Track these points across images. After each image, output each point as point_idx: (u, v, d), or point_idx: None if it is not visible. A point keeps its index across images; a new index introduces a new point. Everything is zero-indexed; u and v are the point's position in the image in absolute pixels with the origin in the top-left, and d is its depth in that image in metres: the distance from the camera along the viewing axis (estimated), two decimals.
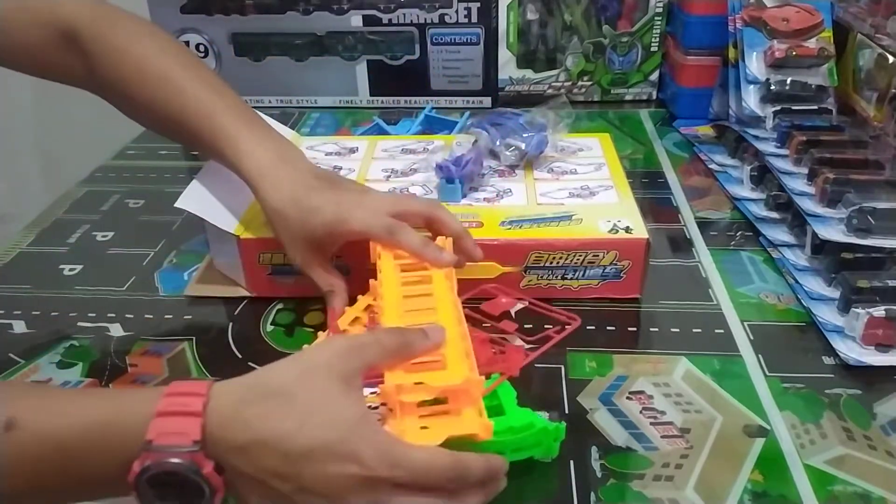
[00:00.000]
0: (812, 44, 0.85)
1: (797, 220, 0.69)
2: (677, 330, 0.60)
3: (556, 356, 0.56)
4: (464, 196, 0.68)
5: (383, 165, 0.74)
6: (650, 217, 0.73)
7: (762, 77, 0.86)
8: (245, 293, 0.65)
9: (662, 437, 0.50)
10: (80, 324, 0.63)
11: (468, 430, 0.41)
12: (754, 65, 0.86)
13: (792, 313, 0.61)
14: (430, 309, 0.49)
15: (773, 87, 0.85)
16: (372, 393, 0.43)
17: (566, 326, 0.55)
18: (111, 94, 0.62)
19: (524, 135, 0.73)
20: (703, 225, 0.74)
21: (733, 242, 0.72)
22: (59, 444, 0.37)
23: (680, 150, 0.91)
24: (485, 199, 0.68)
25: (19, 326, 0.63)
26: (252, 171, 0.57)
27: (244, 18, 1.00)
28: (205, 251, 0.69)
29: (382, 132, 0.88)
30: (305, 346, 0.52)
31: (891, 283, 0.58)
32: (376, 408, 0.44)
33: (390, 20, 0.99)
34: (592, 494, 0.46)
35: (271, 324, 0.62)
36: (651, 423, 0.51)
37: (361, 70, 1.03)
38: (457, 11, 0.98)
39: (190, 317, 0.64)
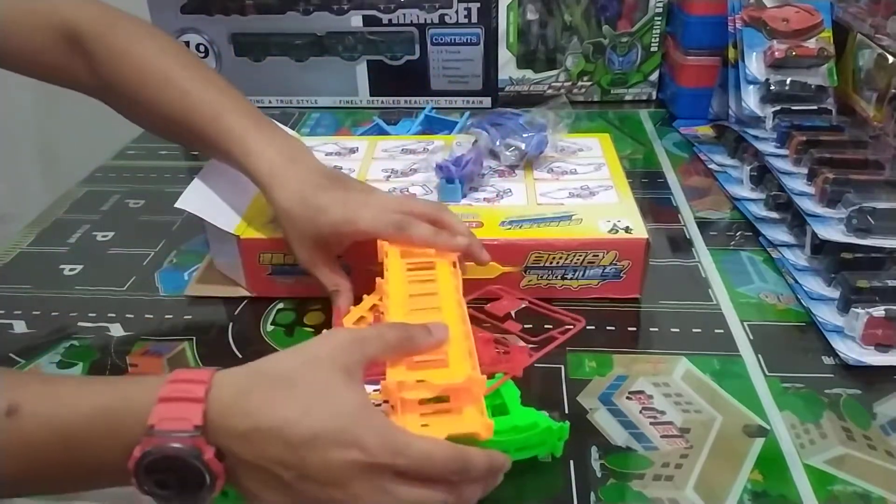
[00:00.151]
0: (812, 44, 0.85)
1: (797, 220, 0.69)
2: (677, 330, 0.60)
3: (557, 356, 0.56)
4: (464, 196, 0.68)
5: (383, 165, 0.74)
6: (650, 217, 0.73)
7: (762, 77, 0.86)
8: (245, 293, 0.65)
9: (662, 436, 0.50)
10: (80, 324, 0.63)
11: (469, 428, 0.41)
12: (754, 65, 0.86)
13: (792, 313, 0.61)
14: (434, 308, 0.49)
15: (772, 88, 0.85)
16: (375, 390, 0.43)
17: (570, 327, 0.55)
18: (113, 96, 0.62)
19: (524, 135, 0.73)
20: (703, 225, 0.74)
21: (733, 242, 0.72)
22: (61, 430, 0.37)
23: (680, 151, 0.91)
24: (485, 199, 0.68)
25: (19, 326, 0.63)
26: (261, 171, 0.57)
27: (244, 18, 1.00)
28: (205, 251, 0.69)
29: (382, 132, 0.88)
30: (315, 337, 0.51)
31: (890, 283, 0.58)
32: (379, 405, 0.44)
33: (390, 20, 0.99)
34: (592, 494, 0.46)
35: (271, 324, 0.62)
36: (651, 423, 0.51)
37: (361, 70, 1.03)
38: (457, 12, 0.98)
39: (190, 317, 0.64)
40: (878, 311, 0.56)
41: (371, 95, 1.05)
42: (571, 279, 0.62)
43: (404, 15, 0.98)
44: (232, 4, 0.99)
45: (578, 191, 0.68)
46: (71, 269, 0.70)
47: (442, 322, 0.46)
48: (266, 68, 1.03)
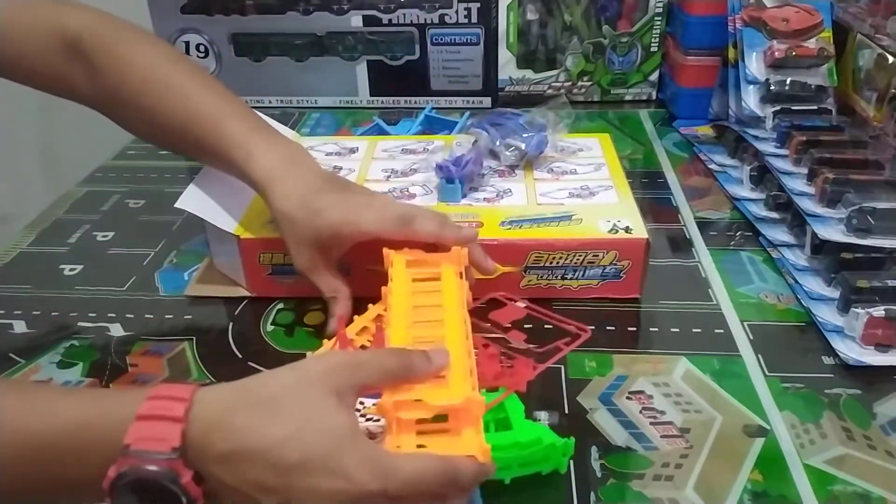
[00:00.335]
0: (812, 44, 0.85)
1: (797, 220, 0.69)
2: (677, 330, 0.60)
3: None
4: (464, 196, 0.68)
5: (383, 165, 0.74)
6: (650, 217, 0.73)
7: (762, 77, 0.86)
8: (245, 293, 0.65)
9: (662, 436, 0.50)
10: (80, 324, 0.63)
11: (466, 451, 0.39)
12: (754, 65, 0.86)
13: (792, 313, 0.61)
14: (437, 321, 0.48)
15: (772, 88, 0.85)
16: (373, 404, 0.42)
17: (575, 337, 0.55)
18: (113, 104, 0.61)
19: (524, 135, 0.73)
20: (703, 225, 0.74)
21: (733, 242, 0.72)
22: (38, 444, 0.36)
23: (680, 151, 0.91)
24: (485, 199, 0.68)
25: (20, 326, 0.63)
26: (260, 174, 0.57)
27: (244, 18, 1.00)
28: (205, 251, 0.69)
29: (382, 132, 0.88)
30: (309, 353, 0.50)
31: (890, 283, 0.58)
32: (378, 420, 0.43)
33: (390, 20, 0.99)
34: (592, 494, 0.46)
35: (271, 324, 0.62)
36: (651, 423, 0.51)
37: (361, 70, 1.03)
38: (457, 12, 0.98)
39: (190, 317, 0.64)
40: (878, 311, 0.56)
41: (371, 95, 1.05)
42: (571, 279, 0.62)
43: (404, 15, 0.98)
44: (232, 4, 0.99)
45: (578, 191, 0.68)
46: (71, 269, 0.70)
47: (443, 348, 0.44)
48: (266, 68, 1.03)
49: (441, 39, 1.00)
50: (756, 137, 0.82)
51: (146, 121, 0.60)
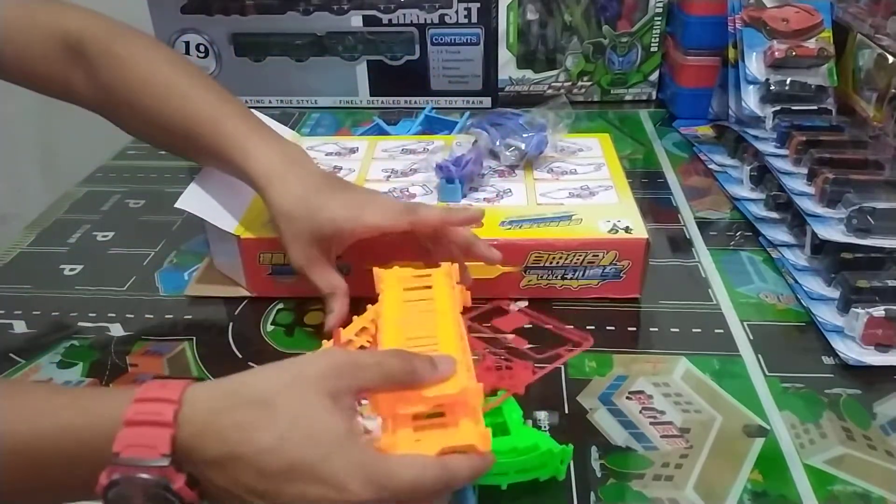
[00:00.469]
0: (812, 44, 0.85)
1: (797, 220, 0.69)
2: (677, 330, 0.60)
3: None
4: (464, 196, 0.68)
5: (383, 166, 0.74)
6: (650, 217, 0.73)
7: (762, 77, 0.86)
8: (245, 293, 0.65)
9: (662, 436, 0.50)
10: (80, 324, 0.63)
11: (465, 440, 0.38)
12: (754, 65, 0.86)
13: (791, 313, 0.62)
14: (429, 311, 0.47)
15: (772, 88, 0.85)
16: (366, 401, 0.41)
17: (577, 345, 0.55)
18: (113, 106, 0.61)
19: (524, 135, 0.73)
20: (703, 225, 0.74)
21: (733, 242, 0.72)
22: (24, 450, 0.36)
23: (679, 151, 0.91)
24: (485, 199, 0.68)
25: (20, 326, 0.63)
26: (259, 174, 0.57)
27: (244, 18, 1.00)
28: (205, 251, 0.69)
29: (382, 132, 0.88)
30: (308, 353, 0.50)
31: (890, 283, 0.58)
32: (372, 419, 0.43)
33: (390, 20, 0.99)
34: (592, 494, 0.46)
35: (271, 324, 0.62)
36: (651, 423, 0.51)
37: (361, 70, 1.03)
38: (457, 12, 0.98)
39: (190, 317, 0.64)
40: (878, 311, 0.56)
41: (371, 95, 1.05)
42: (571, 279, 0.62)
43: (404, 15, 0.98)
44: (232, 4, 0.99)
45: (578, 191, 0.68)
46: (71, 269, 0.70)
47: (448, 355, 0.42)
48: (266, 68, 1.03)
49: (441, 39, 1.00)
50: (756, 137, 0.82)
51: (146, 122, 0.61)
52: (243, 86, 1.03)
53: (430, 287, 0.51)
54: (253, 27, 1.00)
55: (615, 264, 0.61)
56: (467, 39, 1.00)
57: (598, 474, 0.47)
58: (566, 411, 0.52)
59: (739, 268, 0.68)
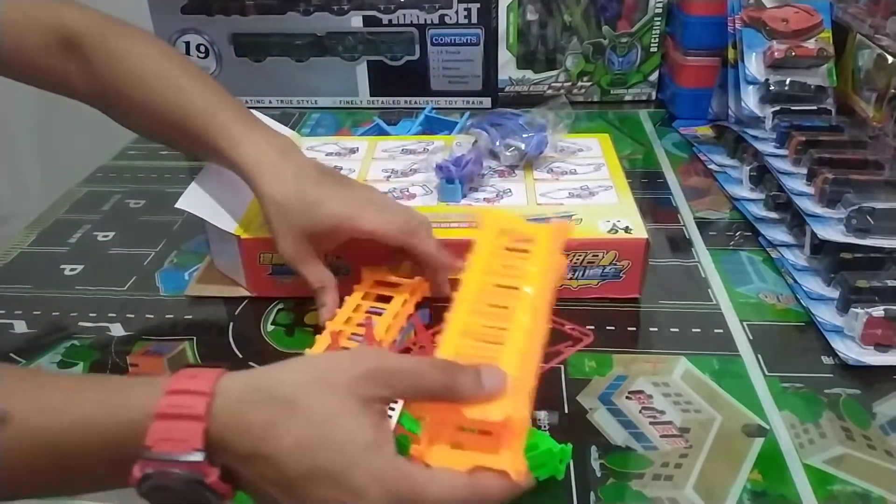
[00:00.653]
0: (811, 44, 0.85)
1: (796, 221, 0.69)
2: (677, 330, 0.60)
3: None
4: (464, 196, 0.68)
5: (383, 166, 0.74)
6: (649, 217, 0.73)
7: (761, 77, 0.86)
8: (245, 293, 0.65)
9: (662, 436, 0.50)
10: (80, 324, 0.63)
11: (499, 466, 0.36)
12: (753, 65, 0.87)
13: (791, 313, 0.62)
14: (512, 294, 0.43)
15: (772, 88, 0.85)
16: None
17: (577, 342, 0.55)
18: (108, 99, 0.61)
19: (524, 135, 0.73)
20: (703, 225, 0.75)
21: (732, 242, 0.72)
22: (54, 442, 0.36)
23: (679, 151, 0.91)
24: (485, 199, 0.68)
25: (20, 326, 0.63)
26: (250, 163, 0.57)
27: (244, 19, 1.00)
28: (205, 251, 0.69)
29: (382, 132, 0.88)
30: (344, 352, 0.46)
31: (890, 283, 0.58)
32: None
33: (390, 21, 0.99)
34: (592, 494, 0.46)
35: (272, 324, 0.62)
36: (650, 423, 0.51)
37: (361, 70, 1.03)
38: (457, 12, 0.98)
39: (190, 316, 0.64)
40: (878, 311, 0.56)
41: (371, 96, 1.05)
42: (571, 279, 0.62)
43: (404, 15, 0.98)
44: (232, 5, 0.99)
45: (578, 191, 0.68)
46: (71, 269, 0.71)
47: (497, 367, 0.39)
48: (266, 68, 1.03)
49: (441, 40, 1.00)
50: (756, 137, 0.82)
51: (139, 114, 0.61)
52: (243, 86, 1.03)
53: (527, 252, 0.46)
54: (253, 27, 1.00)
55: (615, 264, 0.62)
56: (467, 40, 1.00)
57: (598, 474, 0.47)
58: (566, 411, 0.52)
59: (739, 268, 0.68)
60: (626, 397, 0.53)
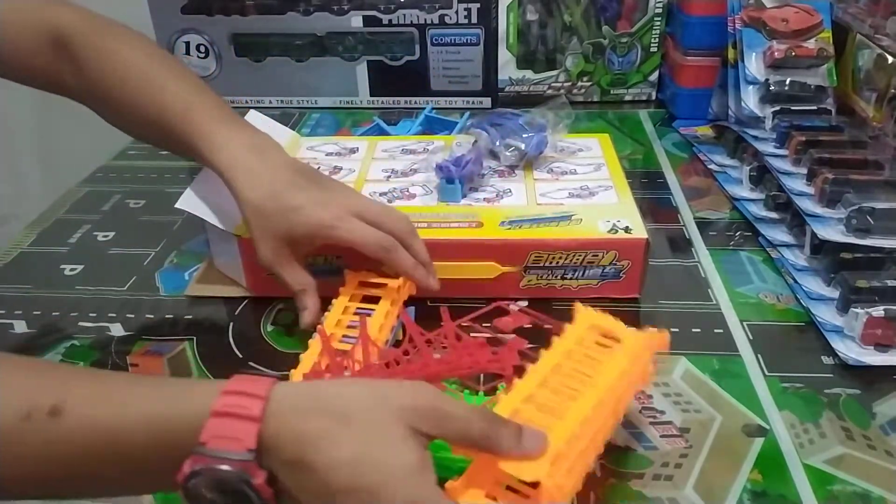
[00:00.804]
0: (811, 44, 0.85)
1: (796, 221, 0.69)
2: (677, 330, 0.60)
3: None
4: (464, 196, 0.68)
5: (383, 166, 0.74)
6: (649, 217, 0.73)
7: (761, 77, 0.86)
8: (245, 293, 0.65)
9: (662, 436, 0.50)
10: (80, 324, 0.63)
11: None
12: (753, 65, 0.87)
13: (791, 313, 0.62)
14: (585, 381, 0.44)
15: (772, 88, 0.85)
16: None
17: None
18: (95, 97, 0.61)
19: (524, 135, 0.73)
20: (703, 225, 0.75)
21: (732, 242, 0.72)
22: (107, 436, 0.36)
23: (679, 151, 0.91)
24: (485, 199, 0.68)
25: (20, 326, 0.63)
26: (225, 165, 0.57)
27: (244, 19, 1.00)
28: (205, 251, 0.69)
29: (382, 132, 0.88)
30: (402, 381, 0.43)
31: (890, 283, 0.58)
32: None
33: (390, 21, 0.99)
34: (592, 494, 0.46)
35: (272, 324, 0.62)
36: (650, 423, 0.51)
37: (361, 70, 1.03)
38: (457, 12, 0.98)
39: (191, 316, 0.64)
40: (878, 311, 0.56)
41: (371, 96, 1.05)
42: (571, 279, 0.62)
43: (404, 15, 0.98)
44: (232, 5, 0.99)
45: (578, 191, 0.68)
46: (71, 269, 0.71)
47: (540, 431, 0.39)
48: (266, 68, 1.03)
49: (441, 40, 1.00)
50: (756, 137, 0.82)
51: (124, 112, 0.61)
52: (243, 86, 1.04)
53: (608, 347, 0.47)
54: (253, 27, 1.00)
55: (615, 264, 0.62)
56: (467, 40, 1.00)
57: (598, 474, 0.47)
58: None
59: (739, 268, 0.68)
60: None
